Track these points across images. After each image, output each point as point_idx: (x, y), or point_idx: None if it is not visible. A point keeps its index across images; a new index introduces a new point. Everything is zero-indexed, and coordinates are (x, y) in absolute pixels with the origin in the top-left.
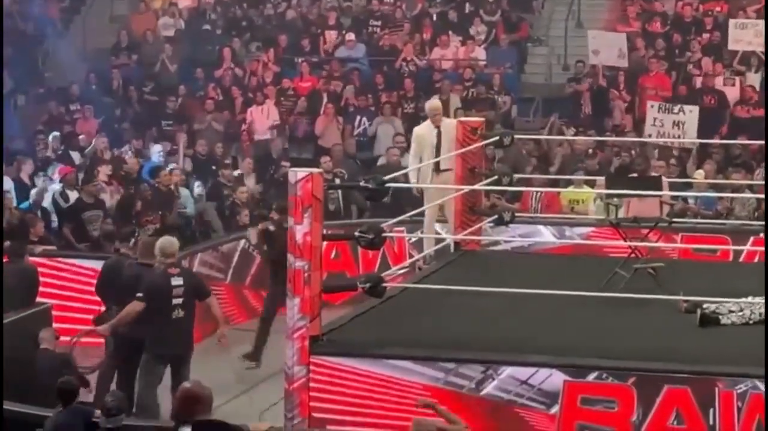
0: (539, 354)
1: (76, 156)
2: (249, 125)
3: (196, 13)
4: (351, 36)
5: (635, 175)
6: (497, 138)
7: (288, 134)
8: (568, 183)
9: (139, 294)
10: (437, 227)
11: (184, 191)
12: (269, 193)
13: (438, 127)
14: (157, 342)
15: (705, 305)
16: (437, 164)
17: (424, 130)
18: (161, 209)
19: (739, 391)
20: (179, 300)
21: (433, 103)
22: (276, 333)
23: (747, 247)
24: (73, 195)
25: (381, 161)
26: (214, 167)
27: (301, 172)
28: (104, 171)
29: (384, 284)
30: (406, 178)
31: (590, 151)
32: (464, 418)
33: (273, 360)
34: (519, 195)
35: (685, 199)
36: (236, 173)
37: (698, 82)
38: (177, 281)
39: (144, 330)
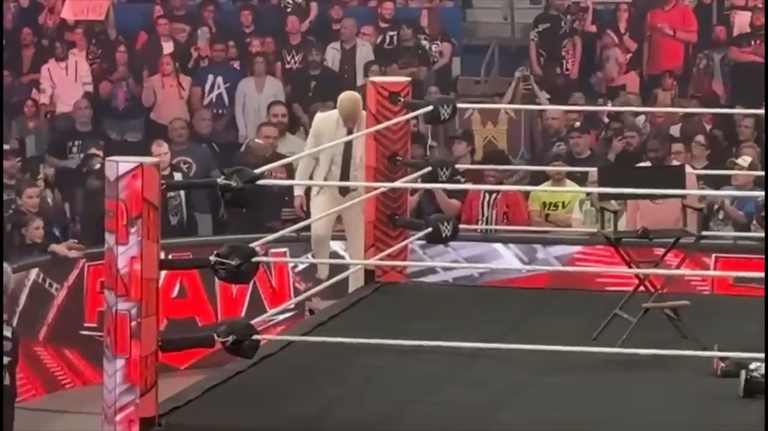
0: None
1: None
2: (44, 92)
3: None
4: None
5: (646, 164)
6: (431, 108)
7: (102, 104)
8: (539, 179)
9: None
10: (337, 247)
11: None
12: (74, 196)
13: (351, 129)
14: None
15: (753, 366)
16: (342, 179)
17: (329, 124)
18: None
19: None
20: (7, 360)
21: (348, 100)
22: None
23: None
24: None
25: (248, 145)
26: None
27: (125, 163)
28: None
29: (256, 338)
30: (289, 172)
31: (577, 124)
32: None
33: None
34: (463, 197)
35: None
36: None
37: (741, 18)
38: (8, 331)
39: None
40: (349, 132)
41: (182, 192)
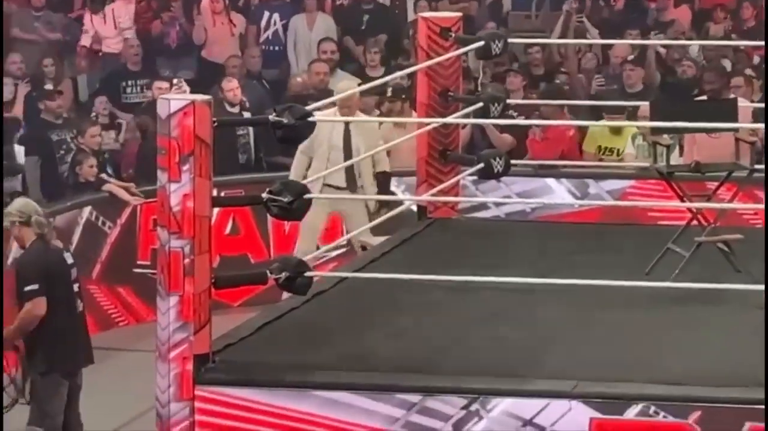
0: (551, 378)
1: None
2: (89, 31)
3: None
4: None
5: (703, 98)
6: (482, 44)
7: (153, 42)
8: (594, 115)
9: (33, 287)
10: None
11: None
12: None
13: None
14: (62, 351)
15: None
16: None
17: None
18: None
19: None
20: (77, 287)
21: (342, 86)
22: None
23: None
24: None
25: (299, 81)
26: (33, 94)
27: (177, 100)
28: None
29: (308, 274)
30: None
31: (631, 57)
32: None
33: (140, 390)
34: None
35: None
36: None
37: None
38: (70, 258)
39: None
40: (346, 129)
41: (251, 130)
